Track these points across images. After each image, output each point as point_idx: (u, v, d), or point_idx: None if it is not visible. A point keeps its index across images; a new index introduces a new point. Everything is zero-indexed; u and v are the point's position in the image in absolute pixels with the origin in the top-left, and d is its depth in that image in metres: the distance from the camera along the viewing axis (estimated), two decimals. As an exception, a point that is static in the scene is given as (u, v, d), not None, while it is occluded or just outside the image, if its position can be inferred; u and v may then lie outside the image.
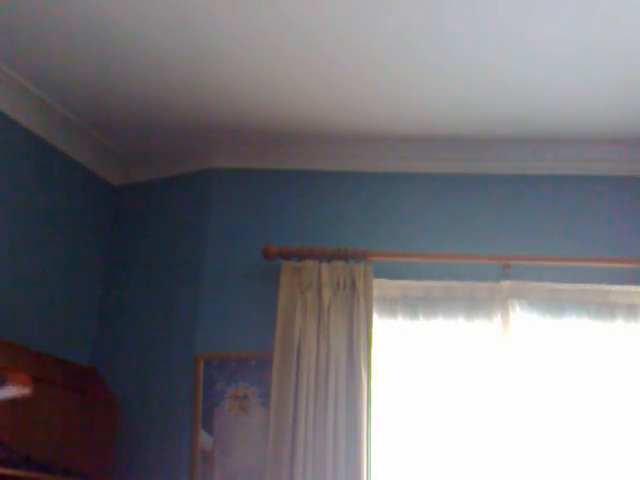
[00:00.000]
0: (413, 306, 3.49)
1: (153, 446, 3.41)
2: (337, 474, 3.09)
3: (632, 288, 3.38)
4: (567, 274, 3.48)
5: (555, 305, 3.41)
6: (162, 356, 3.55)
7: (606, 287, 3.38)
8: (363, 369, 3.22)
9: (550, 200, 3.59)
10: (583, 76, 3.11)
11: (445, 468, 3.24)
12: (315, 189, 3.72)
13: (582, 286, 3.42)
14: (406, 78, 3.19)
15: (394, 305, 3.50)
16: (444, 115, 3.46)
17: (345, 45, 2.99)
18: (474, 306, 3.41)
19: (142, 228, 3.87)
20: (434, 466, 3.24)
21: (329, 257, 3.44)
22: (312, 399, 3.19)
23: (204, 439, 3.34)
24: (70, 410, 3.30)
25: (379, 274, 3.47)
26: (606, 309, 3.37)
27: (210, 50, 3.06)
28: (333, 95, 3.33)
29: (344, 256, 3.43)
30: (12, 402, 3.03)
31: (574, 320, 3.38)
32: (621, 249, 3.47)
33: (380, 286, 3.46)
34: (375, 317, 3.41)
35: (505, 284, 3.42)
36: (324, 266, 3.41)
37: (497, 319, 3.37)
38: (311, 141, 3.71)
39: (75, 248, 3.67)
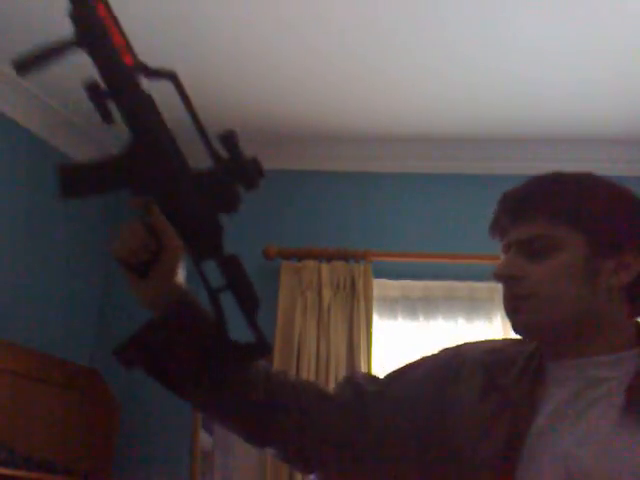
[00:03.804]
0: (413, 306, 3.49)
1: (153, 446, 3.41)
2: (337, 474, 3.09)
3: (632, 288, 3.38)
4: (567, 274, 3.47)
5: (555, 305, 3.41)
6: (162, 356, 3.54)
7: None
8: (363, 369, 3.22)
9: (550, 200, 3.59)
10: (582, 76, 3.11)
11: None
12: (315, 189, 3.71)
13: (582, 286, 3.42)
14: (405, 78, 3.19)
15: (394, 305, 3.50)
16: (444, 115, 3.45)
17: (344, 46, 2.99)
18: (474, 306, 3.41)
19: (142, 228, 3.86)
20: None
21: (329, 257, 3.44)
22: (312, 399, 3.19)
23: (204, 439, 3.34)
24: (70, 410, 3.30)
25: (379, 274, 3.47)
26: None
27: (209, 51, 3.06)
28: (333, 95, 3.33)
29: (344, 256, 3.43)
30: (12, 402, 3.03)
31: (574, 320, 3.38)
32: (621, 249, 3.47)
33: (380, 286, 3.46)
34: (375, 317, 3.40)
35: (505, 284, 3.42)
36: (324, 266, 3.41)
37: (497, 319, 3.37)
38: (311, 141, 3.71)
39: (75, 248, 3.66)
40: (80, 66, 3.52)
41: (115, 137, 3.78)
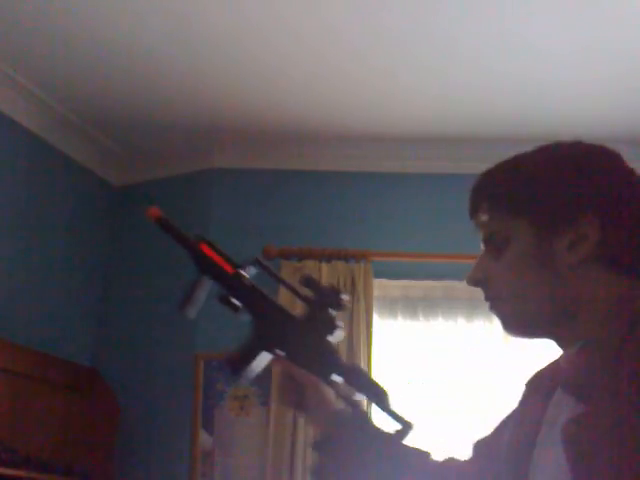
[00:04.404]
0: (413, 306, 3.49)
1: (153, 446, 3.41)
2: (337, 474, 3.09)
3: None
4: (567, 274, 3.47)
5: (555, 305, 3.41)
6: (162, 356, 3.55)
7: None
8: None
9: (550, 200, 3.58)
10: (583, 76, 3.11)
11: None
12: (315, 189, 3.71)
13: (582, 286, 3.41)
14: (406, 78, 3.19)
15: (394, 305, 3.50)
16: (444, 115, 3.45)
17: (344, 46, 2.99)
18: (474, 306, 3.41)
19: (142, 228, 3.86)
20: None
21: (329, 257, 3.44)
22: (312, 399, 3.19)
23: (204, 439, 3.34)
24: (70, 410, 3.30)
25: (379, 274, 3.47)
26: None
27: (210, 51, 3.06)
28: (333, 95, 3.33)
29: (344, 256, 3.43)
30: (12, 402, 3.04)
31: (574, 320, 3.38)
32: (621, 249, 3.46)
33: (380, 286, 3.46)
34: (375, 317, 3.40)
35: (505, 284, 3.42)
36: (324, 266, 3.41)
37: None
38: (311, 141, 3.70)
39: (75, 248, 3.66)
40: (80, 66, 3.51)
41: (114, 138, 3.79)
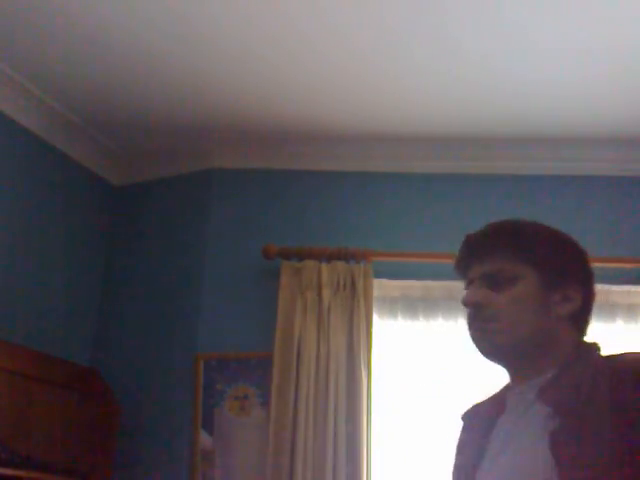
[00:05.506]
0: (413, 306, 3.49)
1: (153, 446, 3.41)
2: (337, 474, 3.08)
3: (632, 288, 3.38)
4: (567, 274, 3.46)
5: (555, 305, 3.40)
6: (162, 356, 3.55)
7: (606, 287, 3.36)
8: (363, 369, 3.22)
9: (550, 200, 3.59)
10: (583, 76, 3.11)
11: (444, 468, 3.23)
12: (315, 189, 3.71)
13: (582, 286, 3.41)
14: (406, 78, 3.19)
15: (394, 305, 3.50)
16: (444, 115, 3.45)
17: (345, 45, 2.99)
18: (474, 306, 3.41)
19: (142, 228, 3.87)
20: (433, 466, 3.23)
21: (329, 257, 3.44)
22: (312, 399, 3.19)
23: (204, 439, 3.34)
24: (70, 410, 3.30)
25: (379, 274, 3.46)
26: (606, 309, 3.37)
27: (210, 50, 3.06)
28: (333, 95, 3.33)
29: (344, 256, 3.42)
30: (12, 402, 3.04)
31: (574, 320, 3.37)
32: (621, 249, 3.47)
33: (380, 286, 3.46)
34: (375, 317, 3.40)
35: (505, 284, 3.41)
36: (324, 266, 3.41)
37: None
38: (311, 141, 3.70)
39: (75, 248, 3.66)
40: (80, 66, 3.51)
41: (114, 138, 3.79)
